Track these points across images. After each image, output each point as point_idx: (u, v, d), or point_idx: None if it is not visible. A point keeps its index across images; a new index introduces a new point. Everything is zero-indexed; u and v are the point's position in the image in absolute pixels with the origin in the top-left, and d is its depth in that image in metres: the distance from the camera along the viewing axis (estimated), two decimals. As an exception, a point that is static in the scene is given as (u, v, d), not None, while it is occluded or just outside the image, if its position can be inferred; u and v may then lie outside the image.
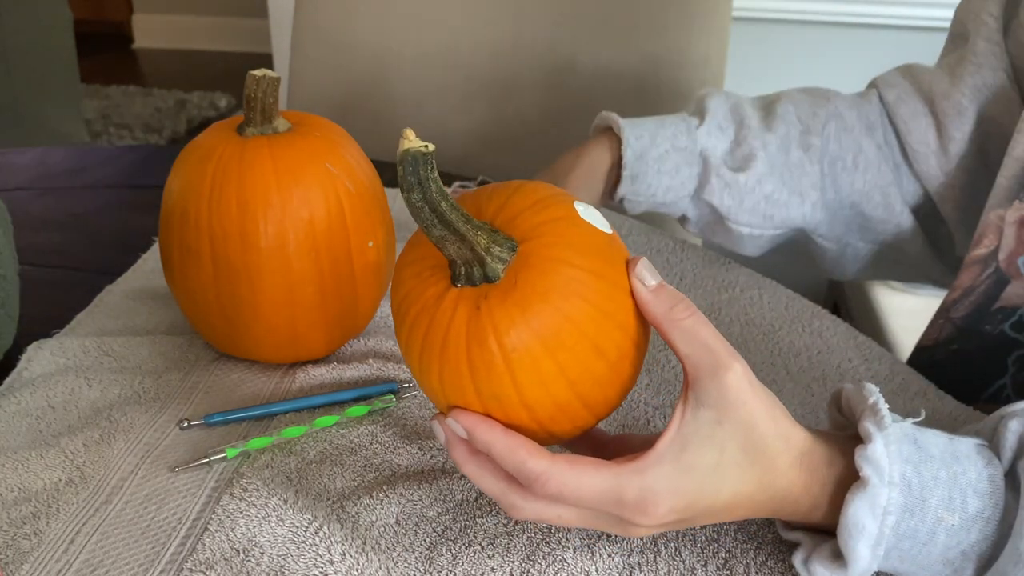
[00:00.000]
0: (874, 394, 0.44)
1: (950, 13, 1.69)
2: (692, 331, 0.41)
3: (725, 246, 0.78)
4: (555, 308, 0.40)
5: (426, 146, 0.39)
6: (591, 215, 0.44)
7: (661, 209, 0.76)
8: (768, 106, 0.76)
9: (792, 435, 0.43)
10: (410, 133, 0.39)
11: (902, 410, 0.60)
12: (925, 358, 0.66)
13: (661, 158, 0.73)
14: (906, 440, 0.42)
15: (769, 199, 0.73)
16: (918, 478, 0.41)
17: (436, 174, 0.40)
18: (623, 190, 0.74)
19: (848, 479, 0.42)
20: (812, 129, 0.74)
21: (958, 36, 0.71)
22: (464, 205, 0.44)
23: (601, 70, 1.15)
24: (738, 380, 0.41)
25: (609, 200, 0.77)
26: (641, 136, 0.73)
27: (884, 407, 0.43)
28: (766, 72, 1.80)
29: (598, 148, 0.74)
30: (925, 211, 0.74)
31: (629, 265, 0.42)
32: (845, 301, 1.59)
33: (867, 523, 0.41)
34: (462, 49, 1.19)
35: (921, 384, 0.62)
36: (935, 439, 0.43)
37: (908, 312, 1.40)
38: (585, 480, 0.40)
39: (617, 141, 0.74)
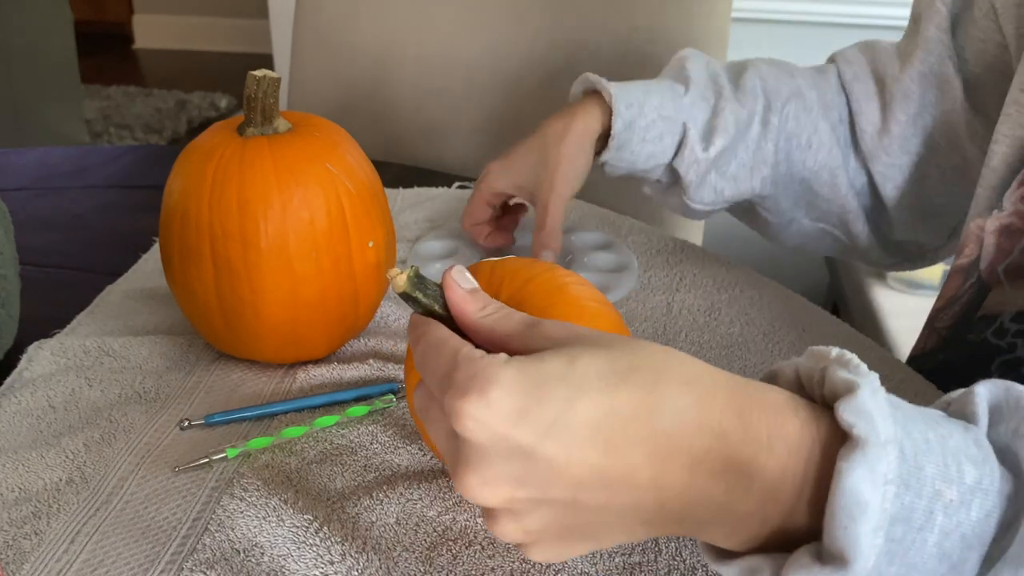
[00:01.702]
0: (834, 349, 0.35)
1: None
2: (506, 314, 0.38)
3: (673, 211, 0.80)
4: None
5: (412, 268, 0.40)
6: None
7: (636, 174, 0.77)
8: (738, 75, 0.76)
9: (694, 364, 0.34)
10: (393, 271, 0.40)
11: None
12: (915, 369, 0.66)
13: (648, 127, 0.72)
14: (884, 394, 0.33)
15: (724, 176, 0.74)
16: (909, 440, 0.32)
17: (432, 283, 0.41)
18: (607, 157, 0.73)
19: (822, 447, 0.32)
20: (773, 106, 0.74)
21: (915, 19, 0.72)
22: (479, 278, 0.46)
23: (601, 71, 1.15)
24: (555, 323, 0.36)
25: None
26: (631, 105, 0.72)
27: (853, 355, 0.34)
28: (766, 72, 1.80)
29: (587, 115, 0.73)
30: (870, 193, 0.76)
31: (445, 274, 0.40)
32: (845, 301, 1.59)
33: (870, 496, 0.30)
34: (462, 50, 1.19)
35: (921, 384, 0.62)
36: (904, 402, 0.35)
37: (908, 312, 1.40)
38: (438, 329, 0.37)
39: (605, 108, 0.73)
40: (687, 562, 0.48)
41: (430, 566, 0.47)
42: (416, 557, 0.48)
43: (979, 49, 0.67)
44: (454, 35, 1.19)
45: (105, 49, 3.92)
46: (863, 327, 1.43)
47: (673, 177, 0.76)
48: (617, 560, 0.48)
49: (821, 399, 0.35)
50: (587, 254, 0.78)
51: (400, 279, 0.40)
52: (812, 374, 0.35)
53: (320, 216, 0.58)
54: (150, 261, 0.79)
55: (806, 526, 0.33)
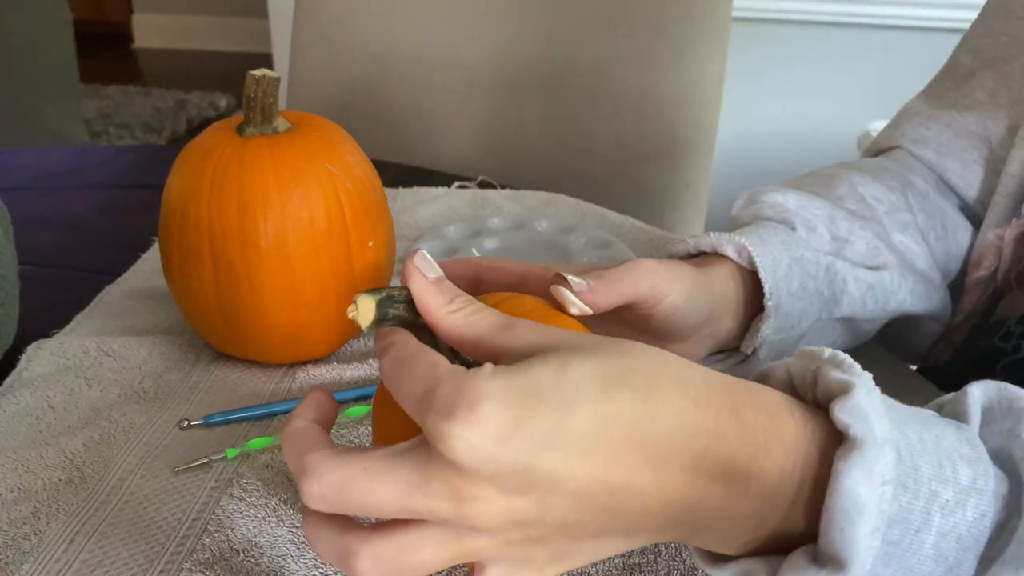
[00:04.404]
0: (827, 350, 0.34)
1: (950, 13, 1.69)
2: (476, 312, 0.35)
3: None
4: None
5: (370, 294, 0.37)
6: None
7: (787, 349, 0.55)
8: (828, 184, 0.61)
9: (685, 365, 0.32)
10: (349, 310, 0.37)
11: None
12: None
13: (787, 276, 0.53)
14: (878, 394, 0.33)
15: (914, 292, 0.58)
16: (905, 440, 0.32)
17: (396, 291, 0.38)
18: (767, 329, 0.52)
19: (818, 449, 0.32)
20: (897, 205, 0.61)
21: (980, 65, 0.64)
22: None
23: (601, 70, 1.15)
24: (531, 325, 0.34)
25: (733, 348, 0.55)
26: (764, 254, 0.53)
27: (846, 355, 0.34)
28: (766, 72, 1.80)
29: (720, 277, 0.52)
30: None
31: (407, 258, 0.37)
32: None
33: (867, 498, 0.30)
34: (462, 49, 1.19)
35: (922, 384, 0.62)
36: (897, 402, 0.35)
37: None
38: (407, 340, 0.34)
39: (734, 264, 0.53)
40: (687, 563, 0.48)
41: (430, 567, 0.47)
42: (416, 557, 0.48)
43: None
44: (454, 35, 1.19)
45: (104, 49, 3.92)
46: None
47: (839, 328, 0.59)
48: (617, 561, 0.48)
49: (814, 400, 0.34)
50: (587, 254, 0.78)
51: (366, 309, 0.36)
52: (804, 375, 0.34)
53: (320, 216, 0.58)
54: (149, 261, 0.79)
55: (802, 529, 0.32)
